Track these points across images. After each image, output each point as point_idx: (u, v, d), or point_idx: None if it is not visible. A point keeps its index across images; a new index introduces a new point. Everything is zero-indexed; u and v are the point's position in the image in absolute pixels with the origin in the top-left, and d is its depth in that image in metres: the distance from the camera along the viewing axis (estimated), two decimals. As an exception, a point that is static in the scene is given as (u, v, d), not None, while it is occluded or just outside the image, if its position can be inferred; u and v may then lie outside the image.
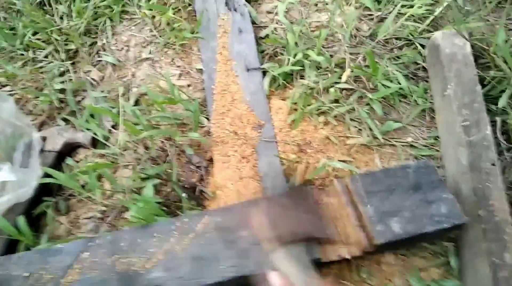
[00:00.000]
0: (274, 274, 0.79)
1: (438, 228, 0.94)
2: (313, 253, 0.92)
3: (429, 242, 1.08)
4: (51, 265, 0.94)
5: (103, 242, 0.97)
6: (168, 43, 1.50)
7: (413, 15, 1.45)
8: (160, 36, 1.52)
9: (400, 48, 1.44)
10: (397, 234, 0.93)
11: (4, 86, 1.47)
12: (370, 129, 1.24)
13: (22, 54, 1.51)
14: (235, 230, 0.96)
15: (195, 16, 1.55)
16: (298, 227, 0.90)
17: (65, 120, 1.36)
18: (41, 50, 1.52)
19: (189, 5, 1.58)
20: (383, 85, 1.30)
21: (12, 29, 1.59)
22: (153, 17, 1.57)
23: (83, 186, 1.19)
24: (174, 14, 1.51)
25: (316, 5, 1.58)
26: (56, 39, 1.50)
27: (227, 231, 0.96)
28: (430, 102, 1.29)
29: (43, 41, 1.53)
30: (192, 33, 1.48)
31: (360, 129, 1.26)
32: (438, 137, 1.24)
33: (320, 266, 0.93)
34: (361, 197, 0.99)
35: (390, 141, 1.24)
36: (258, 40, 1.48)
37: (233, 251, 0.93)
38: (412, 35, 1.44)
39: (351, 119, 1.27)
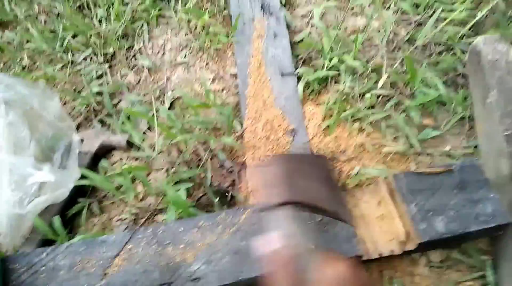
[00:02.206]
0: (275, 235, 0.70)
1: (483, 228, 0.93)
2: (355, 250, 0.92)
3: (472, 241, 1.06)
4: (96, 256, 0.97)
5: (146, 234, 0.99)
6: (203, 47, 1.51)
7: (453, 20, 1.40)
8: (196, 40, 1.52)
9: (439, 53, 1.40)
10: (441, 232, 0.93)
11: (44, 88, 1.51)
12: (407, 137, 1.21)
13: (62, 57, 1.55)
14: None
15: (231, 20, 1.55)
16: (319, 196, 0.81)
17: (101, 122, 1.39)
18: (80, 53, 1.56)
19: (224, 9, 1.59)
20: (421, 91, 1.27)
21: (52, 32, 1.63)
22: (189, 21, 1.58)
23: (117, 188, 1.21)
24: (209, 18, 1.52)
25: (352, 9, 1.55)
26: (95, 42, 1.54)
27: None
28: (470, 110, 1.24)
29: (82, 44, 1.57)
30: (227, 37, 1.48)
31: (396, 137, 1.23)
32: (477, 146, 1.19)
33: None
34: (404, 195, 0.99)
35: (427, 150, 1.21)
36: (293, 44, 1.47)
37: None
38: (452, 40, 1.40)
39: (387, 126, 1.24)
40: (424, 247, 0.96)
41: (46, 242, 1.11)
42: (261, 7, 1.52)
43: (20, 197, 1.05)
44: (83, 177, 1.17)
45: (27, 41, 1.61)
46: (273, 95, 1.30)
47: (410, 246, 0.95)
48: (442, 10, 1.42)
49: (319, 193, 0.82)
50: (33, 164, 1.07)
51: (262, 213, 0.79)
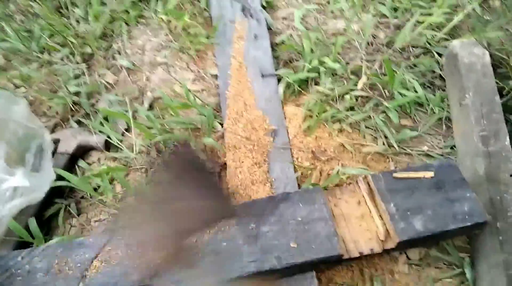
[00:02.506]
0: None
1: (460, 226, 0.94)
2: (336, 249, 0.91)
3: (450, 239, 1.07)
4: (74, 258, 0.95)
5: (124, 236, 0.96)
6: (183, 48, 1.50)
7: (430, 24, 1.43)
8: (176, 41, 1.52)
9: (417, 56, 1.42)
10: (420, 231, 0.93)
11: (18, 87, 1.47)
12: (386, 137, 1.23)
13: (38, 57, 1.52)
14: (257, 225, 0.96)
15: (211, 21, 1.55)
16: (194, 218, 0.77)
17: (78, 122, 1.36)
18: (56, 53, 1.53)
19: (205, 10, 1.59)
20: (399, 93, 1.28)
21: (28, 31, 1.60)
22: (169, 21, 1.57)
23: (95, 189, 1.18)
24: (190, 19, 1.51)
25: (332, 12, 1.57)
26: (72, 42, 1.51)
27: (249, 226, 0.96)
28: (447, 111, 1.27)
29: (59, 44, 1.54)
30: (208, 38, 1.48)
31: (376, 137, 1.24)
32: (454, 146, 1.21)
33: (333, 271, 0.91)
34: (384, 195, 0.99)
35: (405, 150, 1.22)
36: (274, 46, 1.47)
37: (254, 246, 0.92)
38: (430, 44, 1.42)
39: (367, 127, 1.26)
40: (404, 246, 0.97)
41: (22, 244, 1.08)
42: (242, 9, 1.52)
43: (-6, 203, 1.02)
44: (60, 178, 1.14)
45: (3, 40, 1.57)
46: (254, 96, 1.30)
47: (390, 245, 0.95)
48: (420, 14, 1.45)
49: (191, 215, 0.78)
50: (5, 169, 1.04)
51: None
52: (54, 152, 1.24)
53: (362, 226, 0.99)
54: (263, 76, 1.35)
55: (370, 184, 1.03)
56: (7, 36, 1.55)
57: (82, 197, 1.22)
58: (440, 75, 1.36)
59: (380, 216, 0.99)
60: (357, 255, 0.95)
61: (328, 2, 1.60)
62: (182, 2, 1.59)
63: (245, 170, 1.15)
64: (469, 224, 0.94)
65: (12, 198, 1.06)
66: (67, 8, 1.63)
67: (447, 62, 1.32)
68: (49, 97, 1.40)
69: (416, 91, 1.29)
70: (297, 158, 1.18)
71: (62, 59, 1.52)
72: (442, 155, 1.21)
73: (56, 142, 1.26)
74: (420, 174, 1.01)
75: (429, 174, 1.01)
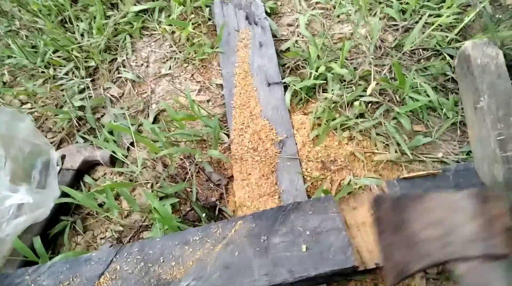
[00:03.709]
0: None
1: None
2: (351, 261, 0.87)
3: None
4: (80, 275, 0.92)
5: (132, 252, 0.94)
6: (187, 58, 1.48)
7: (440, 25, 1.39)
8: (180, 52, 1.50)
9: (428, 59, 1.38)
10: None
11: (24, 103, 1.47)
12: (398, 144, 1.18)
13: (43, 72, 1.51)
14: (268, 236, 0.92)
15: (215, 30, 1.53)
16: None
17: (84, 137, 1.34)
18: (61, 68, 1.52)
19: (209, 19, 1.56)
20: (410, 98, 1.24)
21: (33, 47, 1.59)
22: (173, 32, 1.55)
23: (100, 205, 1.16)
24: (194, 29, 1.49)
25: (338, 16, 1.53)
26: (76, 57, 1.50)
27: (260, 238, 0.92)
28: (461, 116, 1.22)
29: (64, 59, 1.53)
30: (212, 48, 1.45)
31: (387, 145, 1.20)
32: (470, 152, 1.17)
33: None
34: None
35: (419, 157, 1.18)
36: (279, 53, 1.44)
37: (265, 258, 0.89)
38: (440, 45, 1.38)
39: (378, 134, 1.21)
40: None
41: (27, 264, 1.06)
42: (246, 17, 1.49)
43: (-2, 220, 1.01)
44: (65, 195, 1.12)
45: (8, 57, 1.57)
46: (260, 105, 1.27)
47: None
48: (429, 15, 1.41)
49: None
50: (9, 186, 1.02)
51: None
52: (59, 169, 1.22)
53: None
54: (269, 84, 1.32)
55: (384, 190, 0.99)
56: (12, 52, 1.54)
57: (88, 214, 1.20)
58: (452, 78, 1.31)
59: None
60: (373, 266, 0.90)
61: (334, 7, 1.57)
62: (186, 12, 1.57)
63: (253, 183, 1.12)
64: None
65: (16, 216, 1.04)
66: (71, 22, 1.62)
67: (459, 64, 1.27)
68: (55, 113, 1.39)
69: (428, 95, 1.24)
70: (306, 169, 1.15)
71: (67, 74, 1.51)
72: (458, 161, 1.16)
73: (61, 158, 1.25)
74: (427, 172, 0.97)
75: (436, 171, 0.97)
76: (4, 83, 1.53)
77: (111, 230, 1.14)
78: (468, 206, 0.68)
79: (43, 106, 1.42)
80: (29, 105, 1.46)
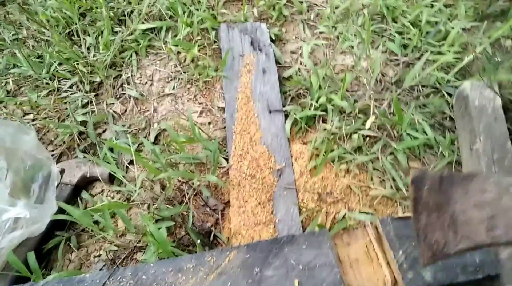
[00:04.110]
0: None
1: (470, 278, 0.91)
2: None
3: None
4: None
5: (125, 275, 0.94)
6: (191, 79, 1.50)
7: (441, 63, 1.42)
8: (184, 72, 1.52)
9: (427, 96, 1.41)
10: (428, 282, 0.90)
11: (27, 114, 1.48)
12: (394, 180, 1.20)
13: (48, 83, 1.53)
14: (261, 268, 0.93)
15: (220, 53, 1.55)
16: None
17: (84, 151, 1.35)
18: (66, 80, 1.53)
19: (215, 42, 1.59)
20: (408, 134, 1.26)
21: (39, 57, 1.61)
22: (179, 53, 1.57)
23: (96, 222, 1.17)
24: (199, 51, 1.52)
25: (341, 47, 1.56)
26: (82, 71, 1.52)
27: (253, 269, 0.93)
28: (457, 155, 1.24)
29: (69, 72, 1.55)
30: (216, 71, 1.47)
31: (383, 180, 1.22)
32: (465, 191, 1.18)
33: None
34: (392, 241, 0.96)
35: (413, 194, 1.19)
36: (282, 80, 1.47)
37: None
38: (439, 83, 1.41)
39: (374, 169, 1.23)
40: (411, 298, 0.94)
41: (20, 279, 1.06)
42: (251, 42, 1.52)
43: (-7, 233, 1.01)
44: (62, 210, 1.13)
45: (14, 66, 1.59)
46: (260, 131, 1.29)
47: (397, 297, 0.92)
48: (431, 52, 1.44)
49: None
50: (7, 199, 1.03)
51: None
52: (58, 183, 1.23)
53: (369, 274, 0.96)
54: (270, 111, 1.34)
55: (378, 229, 1.01)
56: (18, 61, 1.56)
57: (83, 230, 1.21)
58: (450, 116, 1.33)
59: (388, 264, 0.96)
60: None
61: (337, 37, 1.60)
62: (192, 33, 1.59)
63: (249, 210, 1.13)
64: (480, 276, 0.91)
65: (12, 230, 1.05)
66: (78, 35, 1.64)
67: (457, 103, 1.30)
68: (57, 126, 1.40)
69: (425, 132, 1.26)
70: (302, 200, 1.16)
71: (71, 87, 1.52)
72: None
73: (60, 172, 1.26)
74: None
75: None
76: (8, 92, 1.54)
77: (105, 250, 1.15)
78: None
79: (45, 118, 1.44)
80: (31, 116, 1.47)
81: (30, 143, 1.19)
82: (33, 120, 1.45)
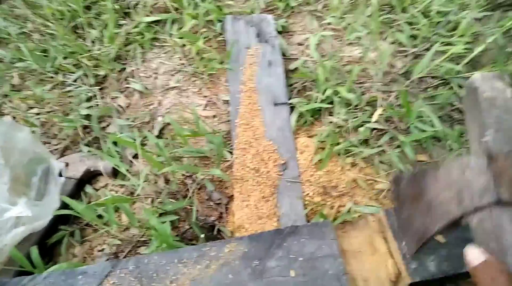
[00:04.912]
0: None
1: None
2: None
3: (464, 280, 1.00)
4: None
5: (128, 267, 0.94)
6: (196, 72, 1.48)
7: (451, 54, 1.38)
8: (189, 65, 1.50)
9: (435, 87, 1.38)
10: (432, 272, 0.90)
11: (31, 108, 1.47)
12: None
13: (52, 77, 1.52)
14: (263, 259, 0.92)
15: (225, 45, 1.53)
16: None
17: (88, 145, 1.35)
18: (70, 74, 1.53)
19: (220, 34, 1.57)
20: (416, 127, 1.24)
21: (44, 51, 1.60)
22: (183, 45, 1.56)
23: (100, 216, 1.16)
24: (204, 43, 1.50)
25: (349, 39, 1.53)
26: (86, 64, 1.51)
27: (255, 260, 0.93)
28: (466, 147, 1.21)
29: (74, 65, 1.54)
30: (221, 63, 1.46)
31: (390, 173, 1.19)
32: (474, 185, 1.16)
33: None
34: (396, 232, 0.96)
35: (421, 187, 1.17)
36: (287, 72, 1.44)
37: (259, 282, 0.89)
38: (449, 74, 1.37)
39: (381, 162, 1.21)
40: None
41: (23, 274, 1.06)
42: (257, 34, 1.50)
43: (-4, 232, 1.01)
44: (65, 204, 1.12)
45: (19, 60, 1.58)
46: (264, 125, 1.27)
47: (401, 286, 0.91)
48: (441, 43, 1.41)
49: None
50: (7, 198, 1.02)
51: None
52: (60, 175, 1.22)
53: (372, 265, 0.95)
54: (275, 104, 1.32)
55: (382, 220, 0.99)
56: (23, 55, 1.55)
57: (87, 224, 1.20)
58: (459, 108, 1.30)
59: (392, 255, 0.96)
60: None
61: (345, 28, 1.57)
62: (197, 25, 1.58)
63: (252, 204, 1.12)
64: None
65: (14, 227, 1.04)
66: (83, 28, 1.63)
67: (466, 95, 1.26)
68: (60, 120, 1.39)
69: (433, 125, 1.24)
70: (307, 193, 1.14)
71: (75, 81, 1.51)
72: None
73: (65, 166, 1.25)
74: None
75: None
76: (13, 86, 1.54)
77: (109, 244, 1.14)
78: (478, 164, 0.74)
79: (49, 112, 1.43)
80: (36, 110, 1.46)
81: (25, 140, 1.17)
82: (38, 114, 1.45)
